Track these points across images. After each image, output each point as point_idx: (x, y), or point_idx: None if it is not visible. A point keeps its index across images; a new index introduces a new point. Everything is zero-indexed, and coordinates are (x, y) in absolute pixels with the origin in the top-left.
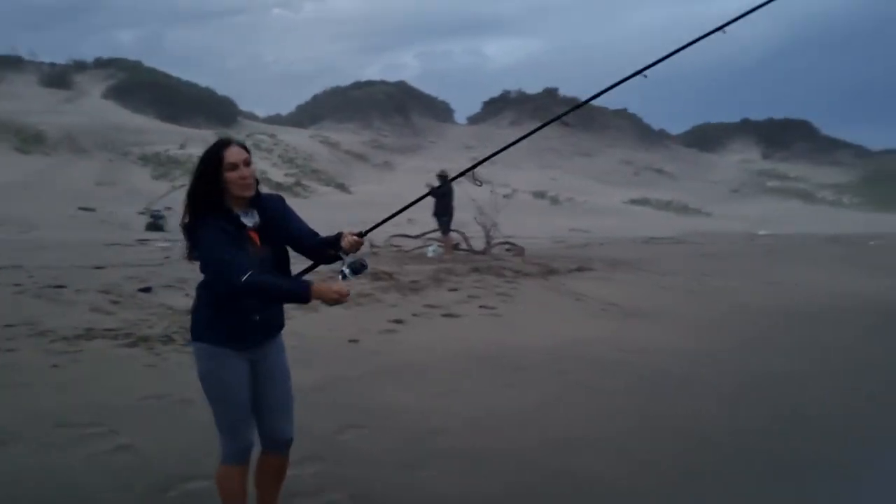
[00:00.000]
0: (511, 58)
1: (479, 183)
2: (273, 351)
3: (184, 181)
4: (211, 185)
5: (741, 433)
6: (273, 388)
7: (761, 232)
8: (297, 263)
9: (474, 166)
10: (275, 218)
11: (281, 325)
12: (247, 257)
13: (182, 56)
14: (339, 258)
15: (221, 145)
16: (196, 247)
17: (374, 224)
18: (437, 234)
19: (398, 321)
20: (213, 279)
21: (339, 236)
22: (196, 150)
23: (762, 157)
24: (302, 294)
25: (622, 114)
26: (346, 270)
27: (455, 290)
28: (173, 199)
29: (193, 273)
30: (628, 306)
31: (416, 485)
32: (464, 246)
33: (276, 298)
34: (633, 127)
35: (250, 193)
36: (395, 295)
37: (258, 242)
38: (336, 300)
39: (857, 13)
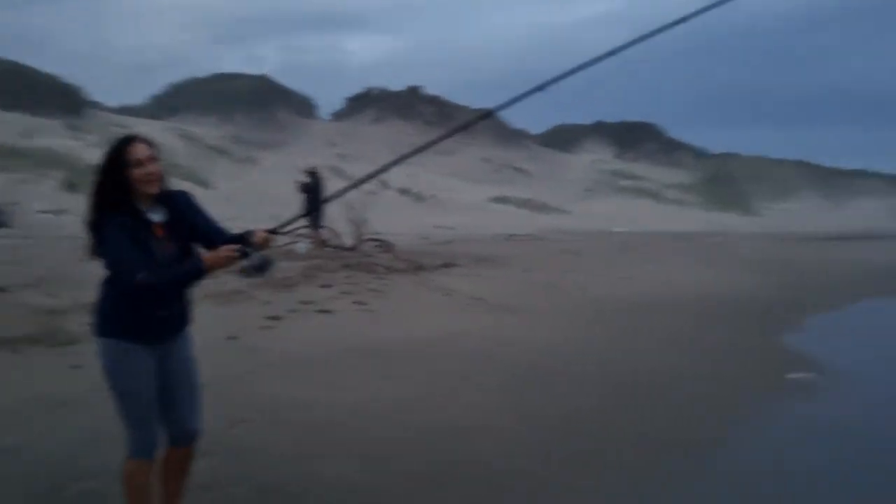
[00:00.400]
0: (373, 54)
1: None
2: (180, 345)
3: (28, 174)
4: (115, 182)
5: (609, 418)
6: (180, 382)
7: (616, 229)
8: None
9: (379, 171)
10: (182, 214)
11: (187, 321)
12: (148, 255)
13: (19, 36)
14: (247, 254)
15: (125, 141)
16: (98, 242)
17: (285, 221)
18: (308, 231)
19: (274, 317)
20: (114, 278)
21: (249, 233)
22: (43, 141)
23: (614, 157)
24: (197, 271)
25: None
26: (247, 263)
27: (328, 286)
28: (24, 192)
29: (55, 271)
30: (494, 301)
31: (315, 475)
32: (334, 242)
33: (174, 285)
34: (494, 126)
35: (155, 190)
36: (268, 291)
37: (165, 239)
38: (228, 257)
39: (702, 22)
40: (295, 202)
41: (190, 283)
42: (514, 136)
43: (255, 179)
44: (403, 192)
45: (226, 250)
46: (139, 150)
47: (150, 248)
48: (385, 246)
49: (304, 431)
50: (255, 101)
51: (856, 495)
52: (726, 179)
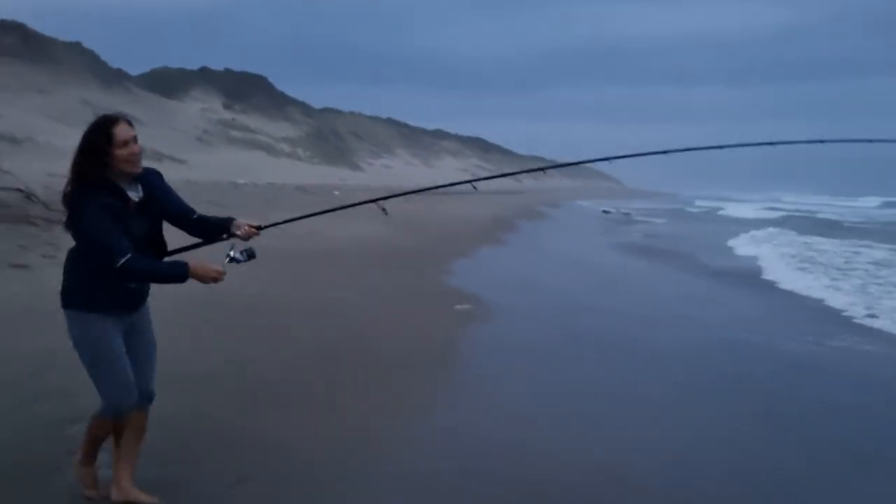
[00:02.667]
0: None
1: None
2: (142, 313)
3: None
4: (99, 161)
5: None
6: (142, 345)
7: (240, 181)
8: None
9: None
10: (154, 192)
11: (148, 292)
12: (128, 237)
13: None
14: (227, 240)
15: (110, 122)
16: (76, 219)
17: (285, 220)
18: None
19: None
20: (93, 257)
21: (229, 220)
22: None
23: (223, 107)
24: (179, 275)
25: (76, 48)
26: (239, 255)
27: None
28: None
29: None
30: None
31: None
32: None
33: (153, 280)
34: (90, 64)
35: (139, 170)
36: None
37: (140, 216)
38: (214, 279)
39: None
40: None
41: (166, 282)
42: (114, 77)
43: None
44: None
45: (214, 271)
46: (124, 131)
47: (129, 226)
48: (29, 195)
49: None
50: None
51: (532, 387)
52: (332, 135)
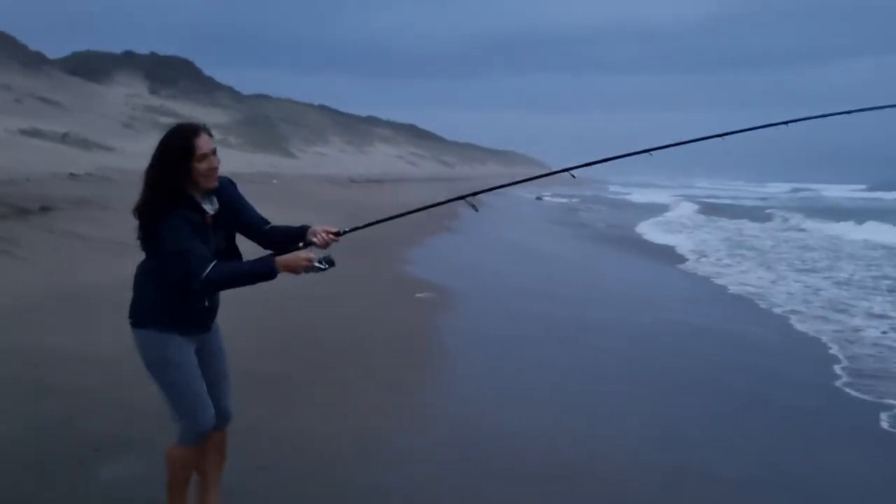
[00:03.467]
0: None
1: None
2: (214, 332)
3: None
4: (179, 173)
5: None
6: (216, 365)
7: None
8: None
9: None
10: (230, 203)
11: (217, 310)
12: (208, 249)
13: None
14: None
15: (191, 132)
16: (153, 235)
17: (365, 223)
18: None
19: None
20: (175, 273)
21: (304, 229)
22: None
23: (149, 92)
24: (267, 272)
25: None
26: (319, 264)
27: None
28: None
29: None
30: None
31: None
32: None
33: (241, 282)
34: (9, 48)
35: (215, 185)
36: None
37: (215, 229)
38: (306, 267)
39: None
40: None
41: (254, 282)
42: (34, 61)
43: None
44: None
45: (304, 257)
46: (205, 144)
47: (206, 240)
48: None
49: None
50: None
51: (510, 370)
52: (263, 121)
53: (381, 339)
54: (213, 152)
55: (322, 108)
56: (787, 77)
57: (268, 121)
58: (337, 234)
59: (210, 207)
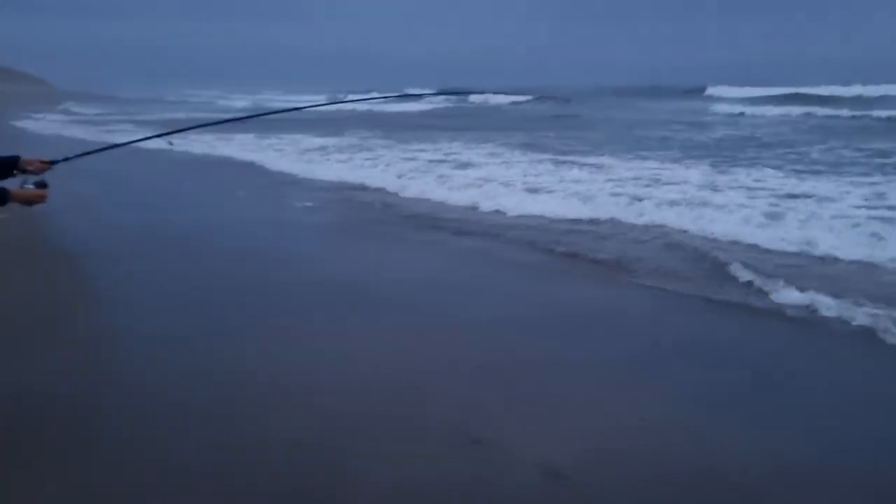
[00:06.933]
0: None
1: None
2: None
3: None
4: None
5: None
6: None
7: None
8: None
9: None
10: None
11: None
12: None
13: None
14: (16, 176)
15: None
16: None
17: (76, 155)
18: None
19: None
20: None
21: (16, 158)
22: None
23: None
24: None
25: None
26: (31, 187)
27: None
28: None
29: None
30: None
31: None
32: None
33: None
34: None
35: None
36: None
37: None
38: (38, 199)
39: None
40: None
41: None
42: None
43: None
44: None
45: (36, 194)
46: None
47: None
48: None
49: None
50: None
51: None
52: None
53: None
54: None
55: None
56: None
57: None
58: (52, 162)
59: None
